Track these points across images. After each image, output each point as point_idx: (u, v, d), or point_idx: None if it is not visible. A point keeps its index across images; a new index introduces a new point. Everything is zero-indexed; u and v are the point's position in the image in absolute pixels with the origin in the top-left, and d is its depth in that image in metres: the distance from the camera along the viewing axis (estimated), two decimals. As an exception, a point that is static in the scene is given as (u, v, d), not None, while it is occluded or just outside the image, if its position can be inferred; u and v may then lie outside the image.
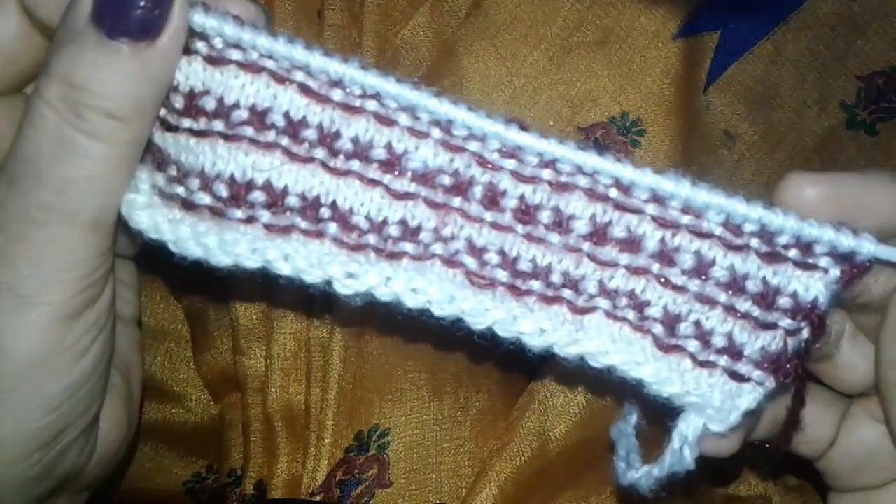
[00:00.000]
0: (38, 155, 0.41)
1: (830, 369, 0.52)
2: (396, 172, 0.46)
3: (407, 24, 0.69)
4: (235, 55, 0.44)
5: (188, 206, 0.46)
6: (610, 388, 0.57)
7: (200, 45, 0.44)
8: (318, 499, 0.62)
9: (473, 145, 0.46)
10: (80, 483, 0.50)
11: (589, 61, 0.70)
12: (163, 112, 0.45)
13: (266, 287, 0.64)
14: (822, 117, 0.72)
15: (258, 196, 0.46)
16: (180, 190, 0.46)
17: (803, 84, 0.72)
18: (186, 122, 0.45)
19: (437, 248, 0.47)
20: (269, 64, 0.44)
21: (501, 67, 0.69)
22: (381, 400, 0.65)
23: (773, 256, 0.46)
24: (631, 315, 0.48)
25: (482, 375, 0.67)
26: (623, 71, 0.70)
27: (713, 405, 0.47)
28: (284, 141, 0.45)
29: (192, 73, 0.44)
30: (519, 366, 0.66)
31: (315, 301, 0.65)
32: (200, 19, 0.43)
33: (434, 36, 0.69)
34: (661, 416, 0.50)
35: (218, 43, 0.44)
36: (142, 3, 0.40)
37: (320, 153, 0.46)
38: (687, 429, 0.48)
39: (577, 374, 0.58)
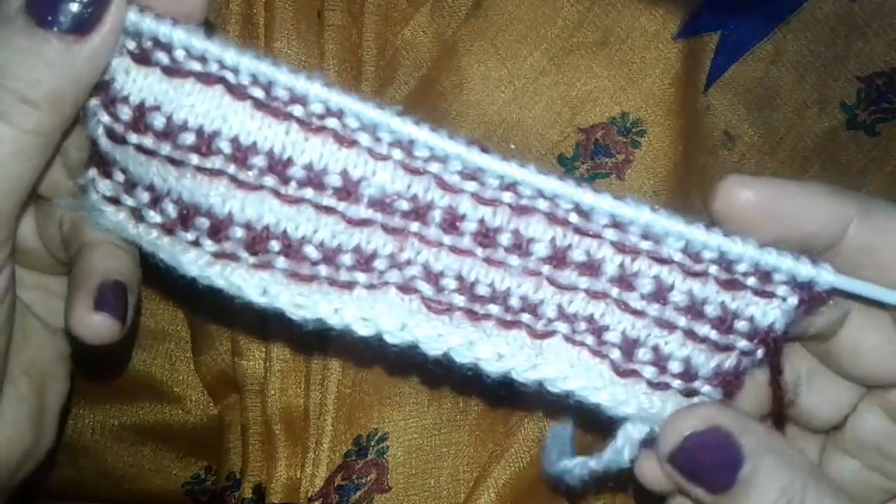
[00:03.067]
0: None
1: (799, 414, 0.51)
2: (352, 199, 0.45)
3: (407, 24, 0.69)
4: (195, 66, 0.43)
5: (139, 217, 0.46)
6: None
7: (161, 56, 0.43)
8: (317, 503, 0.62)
9: (434, 167, 0.45)
10: None
11: (589, 62, 0.69)
12: (107, 119, 0.44)
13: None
14: (822, 118, 0.72)
15: (202, 222, 0.45)
16: (130, 201, 0.46)
17: (803, 85, 0.72)
18: (133, 138, 0.44)
19: (393, 276, 0.46)
20: (229, 76, 0.43)
21: (502, 68, 0.68)
22: (380, 404, 0.65)
23: (731, 283, 0.46)
24: (590, 340, 0.47)
25: (481, 378, 0.67)
26: (623, 71, 0.70)
27: (664, 417, 0.47)
28: (231, 168, 0.44)
29: (145, 85, 0.43)
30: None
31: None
32: (146, 23, 0.42)
33: (434, 36, 0.69)
34: (597, 424, 0.50)
35: (179, 55, 0.43)
36: None
37: (270, 181, 0.44)
38: (633, 430, 0.48)
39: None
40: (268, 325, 0.65)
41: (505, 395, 0.61)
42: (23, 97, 0.40)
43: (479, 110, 0.68)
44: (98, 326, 0.45)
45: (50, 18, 0.40)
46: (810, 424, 0.52)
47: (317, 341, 0.65)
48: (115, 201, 0.46)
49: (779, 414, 0.50)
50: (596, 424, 0.50)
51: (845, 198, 0.45)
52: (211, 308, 0.68)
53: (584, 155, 0.68)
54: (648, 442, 0.48)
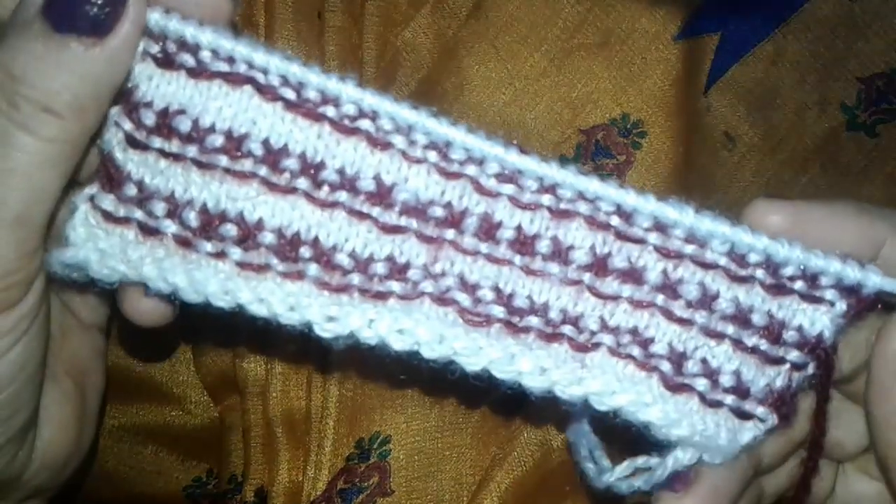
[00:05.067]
0: None
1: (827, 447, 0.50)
2: (386, 204, 0.44)
3: (407, 25, 0.69)
4: (222, 67, 0.42)
5: (148, 231, 0.43)
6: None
7: (186, 58, 0.42)
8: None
9: (471, 170, 0.44)
10: (20, 490, 0.49)
11: (589, 63, 0.69)
12: (129, 127, 0.43)
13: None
14: (822, 119, 0.72)
15: (229, 229, 0.43)
16: (139, 214, 0.43)
17: (803, 86, 0.72)
18: (157, 143, 0.43)
19: (427, 286, 0.44)
20: (258, 77, 0.42)
21: (502, 69, 0.68)
22: (382, 407, 0.65)
23: (778, 288, 0.45)
24: (636, 352, 0.45)
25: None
26: (624, 72, 0.69)
27: (718, 444, 0.45)
28: (263, 171, 0.43)
29: (170, 90, 0.42)
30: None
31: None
32: (171, 24, 0.41)
33: (435, 38, 0.69)
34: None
35: (205, 56, 0.42)
36: (95, 1, 0.39)
37: (303, 184, 0.43)
38: (684, 457, 0.46)
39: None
40: (267, 340, 0.65)
41: (511, 405, 0.61)
42: (44, 106, 0.39)
43: (479, 111, 0.68)
44: (151, 311, 0.46)
45: (67, 22, 0.39)
46: (833, 455, 0.51)
47: (317, 357, 0.65)
48: (115, 219, 0.44)
49: (817, 442, 0.49)
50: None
51: (874, 217, 0.45)
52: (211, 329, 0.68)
53: (585, 156, 0.68)
54: (673, 479, 0.47)
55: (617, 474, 0.48)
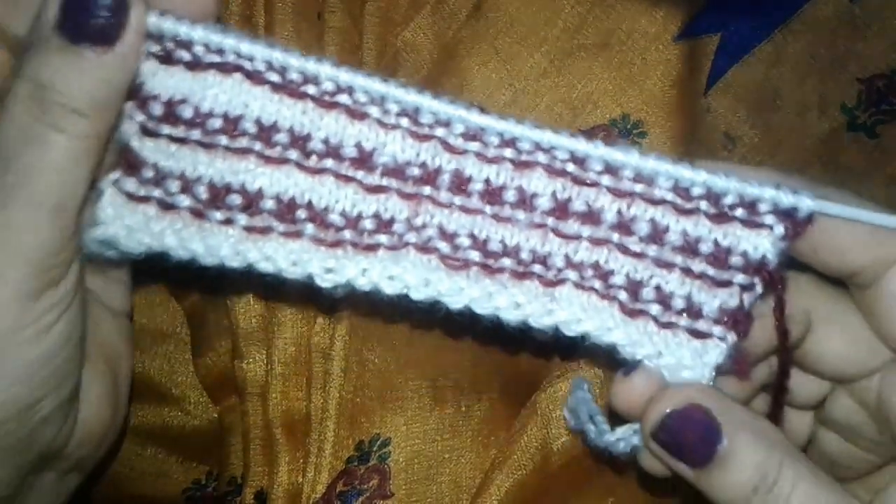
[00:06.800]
0: (8, 144, 0.46)
1: (809, 358, 0.54)
2: (368, 168, 0.50)
3: (407, 26, 0.69)
4: (214, 58, 0.48)
5: (166, 206, 0.49)
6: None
7: (183, 53, 0.48)
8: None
9: (439, 131, 0.49)
10: (64, 462, 0.53)
11: (590, 64, 0.69)
12: (141, 118, 0.48)
13: (265, 290, 0.64)
14: (822, 120, 0.72)
15: (234, 199, 0.49)
16: (157, 192, 0.49)
17: (803, 86, 0.72)
18: (166, 129, 0.49)
19: (411, 237, 0.50)
20: (246, 64, 0.48)
21: (502, 70, 0.68)
22: (383, 409, 0.65)
23: (721, 217, 0.50)
24: (597, 284, 0.51)
25: (483, 383, 0.66)
26: (624, 73, 0.70)
27: (685, 364, 0.50)
28: (257, 146, 0.49)
29: (172, 82, 0.48)
30: (520, 374, 0.67)
31: (317, 302, 0.64)
32: (167, 25, 0.47)
33: (435, 38, 0.69)
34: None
35: (199, 50, 0.48)
36: (100, 13, 0.45)
37: (294, 155, 0.49)
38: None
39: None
40: (272, 316, 0.66)
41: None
42: (71, 108, 0.46)
43: (479, 112, 0.68)
44: None
45: (79, 34, 0.45)
46: (793, 402, 0.56)
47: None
48: (137, 199, 0.49)
49: (786, 350, 0.52)
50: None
51: (886, 240, 0.48)
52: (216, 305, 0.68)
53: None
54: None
55: (619, 434, 0.52)
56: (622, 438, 0.52)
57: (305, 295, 0.64)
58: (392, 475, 0.64)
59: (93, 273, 0.54)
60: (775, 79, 0.72)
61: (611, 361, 0.52)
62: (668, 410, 0.48)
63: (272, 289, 0.64)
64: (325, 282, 0.50)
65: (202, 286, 0.68)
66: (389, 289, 0.50)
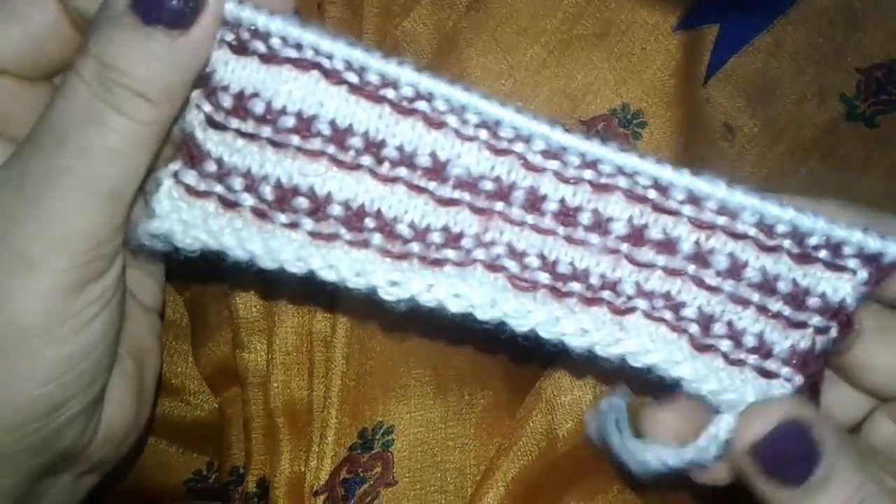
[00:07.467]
0: (65, 123, 0.43)
1: (852, 369, 0.51)
2: (441, 179, 0.48)
3: (407, 16, 0.69)
4: (291, 53, 0.45)
5: (227, 203, 0.47)
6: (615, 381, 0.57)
7: (258, 45, 0.45)
8: (322, 498, 0.61)
9: (519, 147, 0.47)
10: (82, 464, 0.51)
11: (589, 54, 0.69)
12: (209, 109, 0.46)
13: (265, 280, 0.64)
14: (821, 110, 0.72)
15: (302, 202, 0.47)
16: (218, 188, 0.47)
17: (803, 77, 0.72)
18: (234, 123, 0.46)
19: (479, 254, 0.48)
20: (324, 62, 0.46)
21: (502, 60, 0.68)
22: (385, 396, 0.64)
23: (803, 258, 0.48)
24: (668, 315, 0.49)
25: (487, 372, 0.66)
26: (623, 63, 0.70)
27: (747, 401, 0.48)
28: (331, 149, 0.47)
29: (244, 74, 0.46)
30: (523, 362, 0.66)
31: (317, 295, 0.64)
32: (245, 13, 0.45)
33: (434, 28, 0.69)
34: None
35: (275, 43, 0.45)
36: None
37: (367, 160, 0.47)
38: (718, 429, 0.48)
39: (585, 367, 0.59)
40: (272, 305, 0.65)
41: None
42: (137, 91, 0.43)
43: (479, 102, 0.68)
44: None
45: (154, 15, 0.43)
46: (865, 382, 0.52)
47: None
48: (196, 193, 0.47)
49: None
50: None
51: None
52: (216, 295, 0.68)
53: (586, 147, 0.68)
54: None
55: (653, 451, 0.49)
56: (656, 455, 0.49)
57: (305, 291, 0.64)
58: (395, 463, 0.63)
59: (129, 266, 0.52)
60: (774, 69, 0.72)
61: (609, 370, 0.51)
62: (772, 425, 0.45)
63: (271, 283, 0.64)
64: (388, 295, 0.48)
65: (202, 276, 0.68)
66: (455, 307, 0.48)
